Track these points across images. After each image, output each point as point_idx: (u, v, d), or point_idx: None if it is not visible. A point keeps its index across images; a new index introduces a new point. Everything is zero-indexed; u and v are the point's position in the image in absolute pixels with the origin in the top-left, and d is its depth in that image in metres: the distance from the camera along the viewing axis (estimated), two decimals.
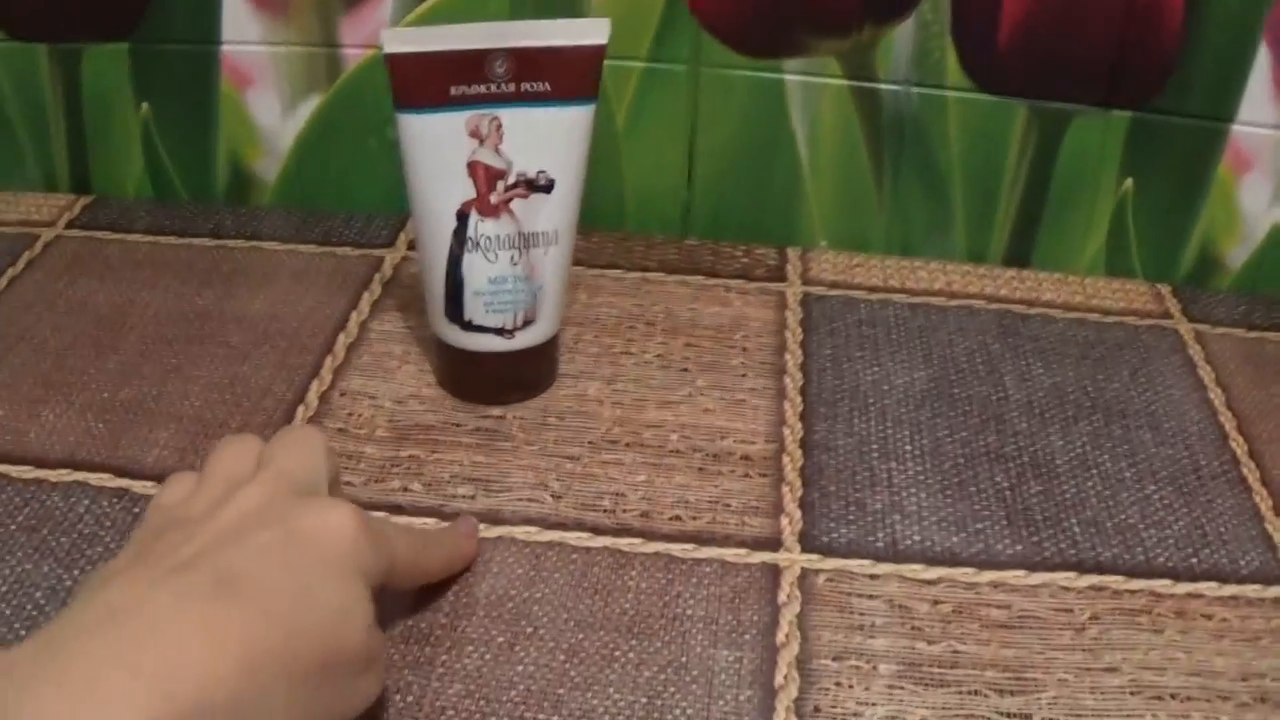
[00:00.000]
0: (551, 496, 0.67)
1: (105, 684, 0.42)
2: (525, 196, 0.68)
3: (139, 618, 0.44)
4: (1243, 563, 0.65)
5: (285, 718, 0.46)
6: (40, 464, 0.68)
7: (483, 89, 0.66)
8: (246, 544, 0.48)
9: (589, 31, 0.67)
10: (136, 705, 0.41)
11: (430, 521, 0.65)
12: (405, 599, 0.60)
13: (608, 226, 0.90)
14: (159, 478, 0.66)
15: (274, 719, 0.46)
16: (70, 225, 0.89)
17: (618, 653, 0.58)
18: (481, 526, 0.64)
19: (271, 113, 0.88)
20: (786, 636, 0.59)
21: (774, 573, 0.63)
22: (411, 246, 0.86)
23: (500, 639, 0.58)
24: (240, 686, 0.44)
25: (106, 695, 0.41)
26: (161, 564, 0.47)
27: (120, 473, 0.67)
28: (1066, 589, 0.63)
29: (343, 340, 0.78)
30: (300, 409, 0.72)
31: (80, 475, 0.67)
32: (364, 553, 0.51)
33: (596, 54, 0.67)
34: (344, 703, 0.50)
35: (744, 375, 0.76)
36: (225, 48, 0.86)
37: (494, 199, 0.68)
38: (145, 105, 0.89)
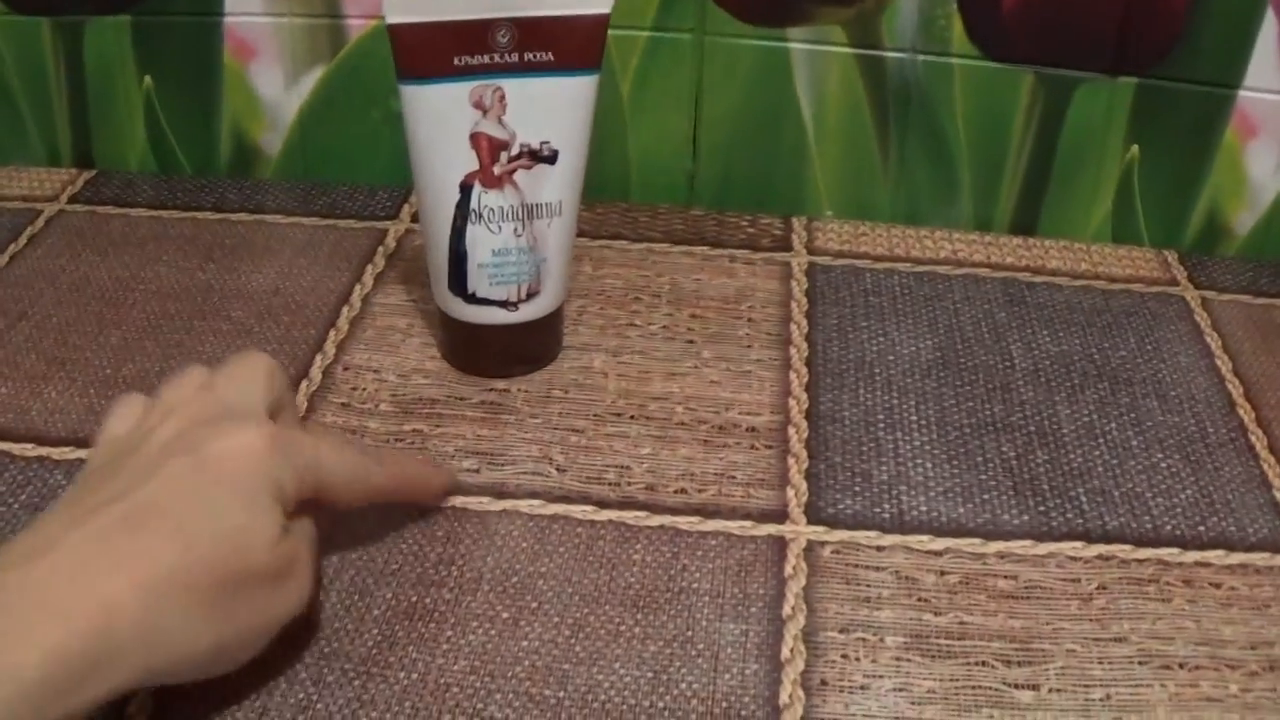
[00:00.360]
0: (556, 470, 0.67)
1: (8, 619, 0.44)
2: (529, 168, 0.68)
3: (49, 557, 0.47)
4: (1250, 530, 0.65)
5: (194, 633, 0.48)
6: (43, 441, 0.67)
7: (486, 59, 0.65)
8: (158, 475, 0.50)
9: (593, 0, 0.66)
10: (37, 636, 0.44)
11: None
12: (408, 574, 0.60)
13: (612, 197, 0.90)
14: None
15: (184, 635, 0.48)
16: (73, 200, 0.89)
17: (623, 627, 0.58)
18: (485, 500, 0.64)
19: (275, 85, 0.88)
20: (793, 609, 0.59)
21: (780, 545, 0.63)
22: (415, 219, 0.86)
23: (505, 614, 0.58)
24: (142, 609, 0.46)
25: (8, 628, 0.44)
26: (84, 505, 0.49)
27: None
28: (1074, 559, 0.63)
29: (346, 314, 0.78)
30: (304, 383, 0.72)
31: (83, 453, 0.67)
32: (272, 470, 0.51)
33: (600, 23, 0.67)
34: (261, 615, 0.51)
35: (749, 346, 0.76)
36: (228, 19, 0.86)
37: (497, 170, 0.67)
38: (148, 78, 0.89)
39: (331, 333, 0.76)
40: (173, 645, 0.47)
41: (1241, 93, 0.82)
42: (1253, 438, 0.71)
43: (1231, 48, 0.80)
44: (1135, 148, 0.84)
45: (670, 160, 0.88)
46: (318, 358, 0.74)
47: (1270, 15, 0.79)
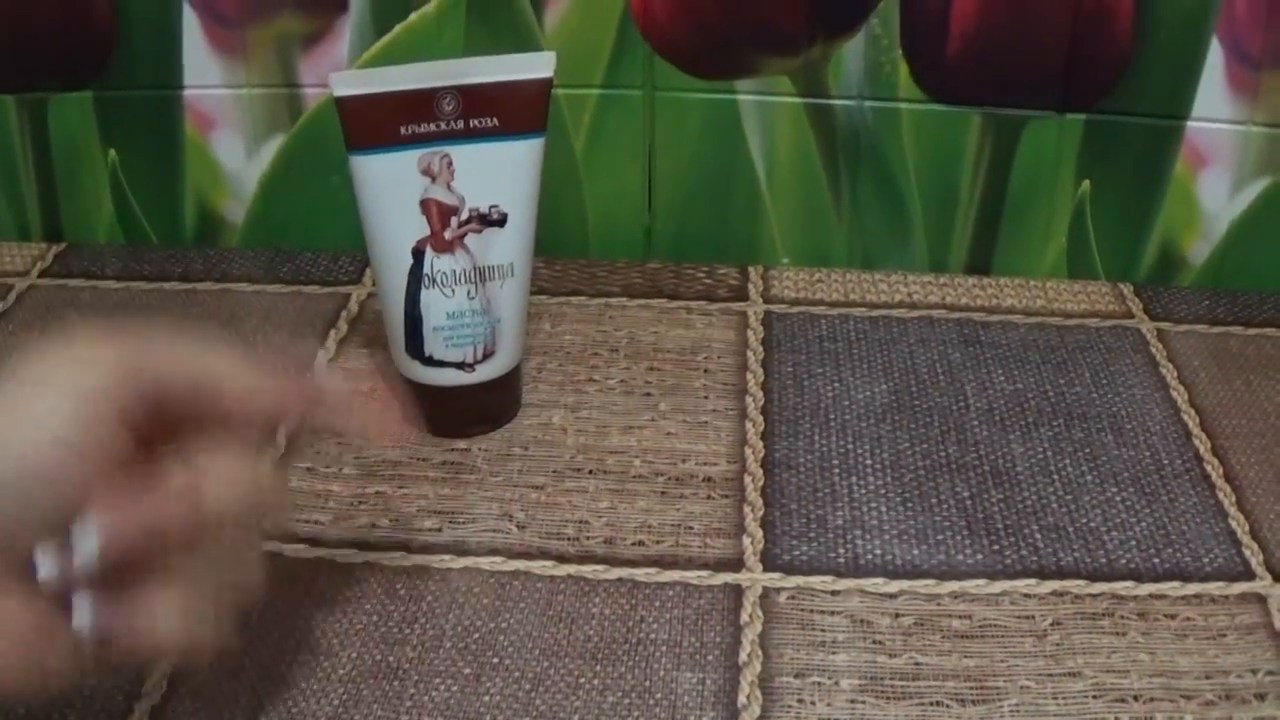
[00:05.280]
0: (516, 526, 0.67)
1: None
2: (479, 231, 0.69)
3: None
4: (1206, 560, 0.65)
5: None
6: None
7: (432, 127, 0.67)
8: None
9: (535, 65, 0.68)
10: None
11: (397, 554, 0.66)
12: (372, 633, 0.60)
13: (571, 253, 0.91)
14: None
15: None
16: (43, 274, 0.90)
17: (582, 680, 0.58)
18: (447, 558, 0.65)
19: (236, 154, 0.89)
20: (749, 656, 0.60)
21: (736, 593, 0.63)
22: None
23: (467, 670, 0.59)
24: None
25: None
26: None
27: None
28: (1028, 596, 0.63)
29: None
30: (270, 450, 0.72)
31: None
32: None
33: (543, 87, 0.68)
34: None
35: (706, 397, 0.77)
36: (187, 92, 0.87)
37: (448, 235, 0.68)
38: (112, 152, 0.90)
39: None
40: None
41: (1190, 124, 0.83)
42: (1208, 467, 0.72)
43: (1178, 79, 0.81)
44: (1086, 183, 0.85)
45: (626, 215, 0.89)
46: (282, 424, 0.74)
47: (1215, 44, 0.80)
